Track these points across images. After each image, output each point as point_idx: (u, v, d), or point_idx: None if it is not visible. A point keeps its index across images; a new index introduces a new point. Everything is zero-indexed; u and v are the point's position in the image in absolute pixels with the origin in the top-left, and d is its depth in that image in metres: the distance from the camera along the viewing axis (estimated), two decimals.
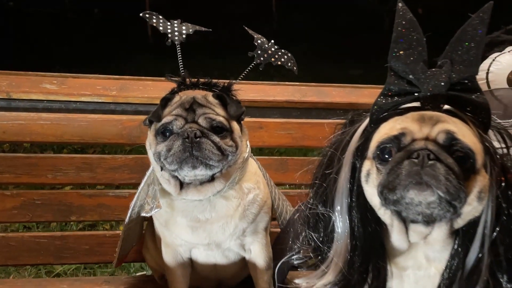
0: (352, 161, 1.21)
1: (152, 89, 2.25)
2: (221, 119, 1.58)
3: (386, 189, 1.10)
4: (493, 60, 2.17)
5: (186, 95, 1.65)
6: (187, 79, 1.68)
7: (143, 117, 2.10)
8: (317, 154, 1.43)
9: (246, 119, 2.26)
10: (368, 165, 1.19)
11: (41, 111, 2.15)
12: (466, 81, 1.15)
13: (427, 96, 1.15)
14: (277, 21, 12.72)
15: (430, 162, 1.06)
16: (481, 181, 1.11)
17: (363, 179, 1.19)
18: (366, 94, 2.41)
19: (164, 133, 1.57)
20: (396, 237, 1.18)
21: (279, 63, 1.78)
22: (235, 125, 1.64)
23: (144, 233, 2.02)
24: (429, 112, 1.16)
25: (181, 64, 1.71)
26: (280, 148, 4.25)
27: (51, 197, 2.13)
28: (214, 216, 1.65)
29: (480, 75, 2.17)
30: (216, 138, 1.54)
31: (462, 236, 1.15)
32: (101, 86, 2.22)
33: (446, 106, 1.18)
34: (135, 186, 2.18)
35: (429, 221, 1.13)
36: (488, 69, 2.17)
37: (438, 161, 1.07)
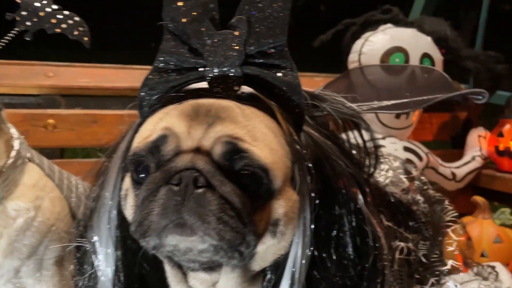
0: (120, 170, 0.88)
1: None
2: None
3: (139, 232, 0.76)
4: (366, 40, 2.07)
5: None
6: None
7: None
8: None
9: (76, 111, 1.84)
10: (127, 182, 0.85)
11: None
12: (272, 50, 0.81)
13: (214, 74, 0.81)
14: None
15: (197, 191, 0.73)
16: (283, 207, 0.79)
17: (122, 201, 0.86)
18: None
19: None
20: (175, 286, 0.87)
21: (58, 30, 1.27)
22: None
23: None
24: (207, 101, 0.81)
25: None
26: None
27: None
28: None
29: (352, 57, 2.09)
30: None
31: (270, 277, 0.83)
32: None
33: (246, 88, 0.84)
34: None
35: (212, 267, 0.82)
36: (360, 51, 2.06)
37: (209, 189, 0.74)
